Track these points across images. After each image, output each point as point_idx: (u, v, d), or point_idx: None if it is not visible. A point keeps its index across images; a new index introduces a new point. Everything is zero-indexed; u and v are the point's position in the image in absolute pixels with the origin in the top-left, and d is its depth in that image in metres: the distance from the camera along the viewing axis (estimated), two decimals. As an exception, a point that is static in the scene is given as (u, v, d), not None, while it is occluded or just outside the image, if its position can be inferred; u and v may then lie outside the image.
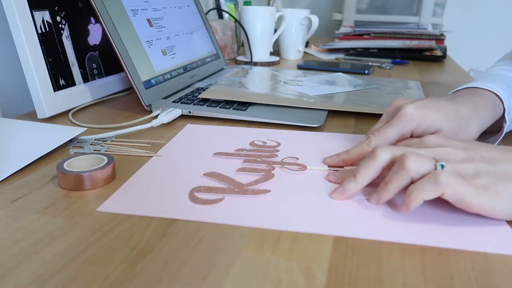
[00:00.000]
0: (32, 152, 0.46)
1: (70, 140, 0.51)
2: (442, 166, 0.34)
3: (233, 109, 0.61)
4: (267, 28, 1.08)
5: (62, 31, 0.64)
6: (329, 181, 0.41)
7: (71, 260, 0.29)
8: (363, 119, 0.62)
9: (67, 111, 0.63)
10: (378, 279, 0.28)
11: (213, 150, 0.48)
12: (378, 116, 0.63)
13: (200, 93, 0.68)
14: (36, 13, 0.59)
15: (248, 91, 0.69)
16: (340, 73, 0.90)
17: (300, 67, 1.03)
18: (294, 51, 1.20)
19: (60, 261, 0.29)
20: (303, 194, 0.39)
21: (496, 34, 2.39)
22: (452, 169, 0.34)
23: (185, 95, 0.68)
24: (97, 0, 0.60)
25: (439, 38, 1.35)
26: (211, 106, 0.62)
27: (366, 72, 0.97)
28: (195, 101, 0.64)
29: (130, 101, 0.70)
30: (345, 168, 0.44)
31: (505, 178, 0.34)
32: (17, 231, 0.33)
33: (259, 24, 1.07)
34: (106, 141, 0.51)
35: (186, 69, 0.77)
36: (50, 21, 0.62)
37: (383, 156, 0.37)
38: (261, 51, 1.10)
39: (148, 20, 0.71)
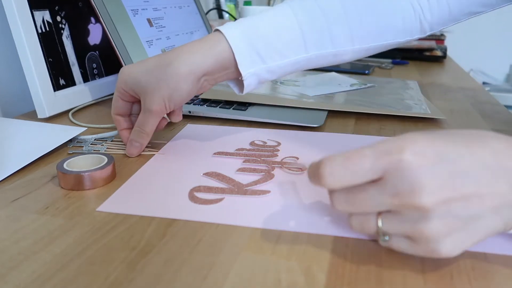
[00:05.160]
0: (32, 152, 0.46)
1: (70, 140, 0.51)
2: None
3: (233, 109, 0.61)
4: (267, 28, 1.08)
5: (62, 31, 0.64)
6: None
7: (71, 260, 0.29)
8: (363, 119, 0.62)
9: (67, 111, 0.63)
10: (378, 279, 0.28)
11: (213, 150, 0.48)
12: (378, 116, 0.63)
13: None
14: (36, 13, 0.59)
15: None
16: (334, 73, 0.90)
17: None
18: (294, 51, 1.19)
19: (60, 261, 0.29)
20: (303, 194, 0.39)
21: (496, 34, 2.39)
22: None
23: (185, 95, 0.68)
24: (97, 0, 0.60)
25: (439, 38, 1.35)
26: (211, 106, 0.62)
27: (366, 72, 0.97)
28: (195, 101, 0.64)
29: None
30: None
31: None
32: (17, 231, 0.33)
33: (259, 24, 1.07)
34: (106, 141, 0.51)
35: (186, 69, 0.77)
36: (50, 21, 0.62)
37: None
38: (261, 51, 1.10)
39: (148, 20, 0.71)
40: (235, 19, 1.13)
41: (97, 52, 0.72)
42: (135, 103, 0.48)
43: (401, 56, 1.19)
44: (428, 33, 0.54)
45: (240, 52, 0.43)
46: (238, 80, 0.47)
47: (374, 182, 0.26)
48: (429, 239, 0.26)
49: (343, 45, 0.48)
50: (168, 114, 0.47)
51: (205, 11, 1.14)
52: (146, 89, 0.43)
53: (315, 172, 0.28)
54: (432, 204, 0.25)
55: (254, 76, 0.45)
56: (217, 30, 0.45)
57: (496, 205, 0.26)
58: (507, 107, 0.79)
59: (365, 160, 0.26)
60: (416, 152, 0.25)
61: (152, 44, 0.69)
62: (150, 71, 0.43)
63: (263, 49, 0.44)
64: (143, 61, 0.45)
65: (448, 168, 0.25)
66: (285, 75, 0.49)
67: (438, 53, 1.21)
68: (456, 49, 1.67)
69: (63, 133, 0.51)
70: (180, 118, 0.49)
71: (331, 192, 0.28)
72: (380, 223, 0.27)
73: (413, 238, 0.27)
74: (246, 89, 0.46)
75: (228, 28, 0.44)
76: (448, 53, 1.25)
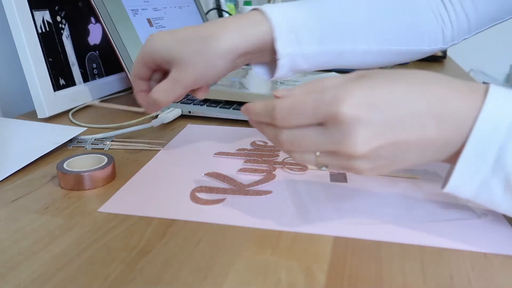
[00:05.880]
0: (32, 152, 0.46)
1: (70, 140, 0.51)
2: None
3: (233, 109, 0.61)
4: (267, 28, 1.08)
5: (62, 31, 0.64)
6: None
7: (71, 260, 0.29)
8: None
9: (67, 111, 0.63)
10: (378, 279, 0.28)
11: (213, 150, 0.48)
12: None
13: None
14: (36, 13, 0.59)
15: (248, 91, 0.69)
16: (334, 73, 0.90)
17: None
18: (294, 51, 1.19)
19: (60, 261, 0.29)
20: (303, 195, 0.39)
21: (496, 34, 2.39)
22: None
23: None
24: (97, 0, 0.60)
25: (439, 38, 1.35)
26: (211, 106, 0.62)
27: (366, 72, 0.96)
28: (195, 101, 0.64)
29: (130, 101, 0.70)
30: None
31: None
32: (17, 231, 0.33)
33: (259, 24, 1.06)
34: (106, 141, 0.51)
35: (186, 69, 0.77)
36: (50, 21, 0.62)
37: None
38: (261, 51, 1.10)
39: (148, 20, 0.71)
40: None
41: (97, 52, 0.72)
42: (157, 71, 0.44)
43: (401, 56, 1.18)
44: (450, 45, 0.55)
45: (280, 31, 0.41)
46: (268, 64, 0.45)
47: (319, 125, 0.29)
48: (358, 171, 0.30)
49: (368, 42, 0.46)
50: (194, 90, 0.44)
51: (205, 11, 1.14)
52: (179, 59, 0.40)
53: (268, 111, 0.31)
54: (363, 153, 0.28)
55: (288, 58, 0.42)
56: (255, 9, 0.42)
57: (422, 149, 0.29)
58: (507, 107, 0.78)
59: (307, 109, 0.29)
60: (352, 104, 0.27)
61: (152, 44, 0.69)
62: (185, 41, 0.39)
63: (301, 33, 0.42)
64: (173, 30, 0.41)
65: (381, 118, 0.28)
66: (315, 69, 0.46)
67: (438, 53, 1.21)
68: (456, 49, 1.66)
69: (63, 133, 0.51)
70: (207, 93, 0.45)
71: (281, 130, 0.30)
72: (318, 159, 0.31)
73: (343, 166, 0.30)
74: (279, 71, 0.43)
75: (269, 7, 0.42)
76: (448, 53, 1.25)
